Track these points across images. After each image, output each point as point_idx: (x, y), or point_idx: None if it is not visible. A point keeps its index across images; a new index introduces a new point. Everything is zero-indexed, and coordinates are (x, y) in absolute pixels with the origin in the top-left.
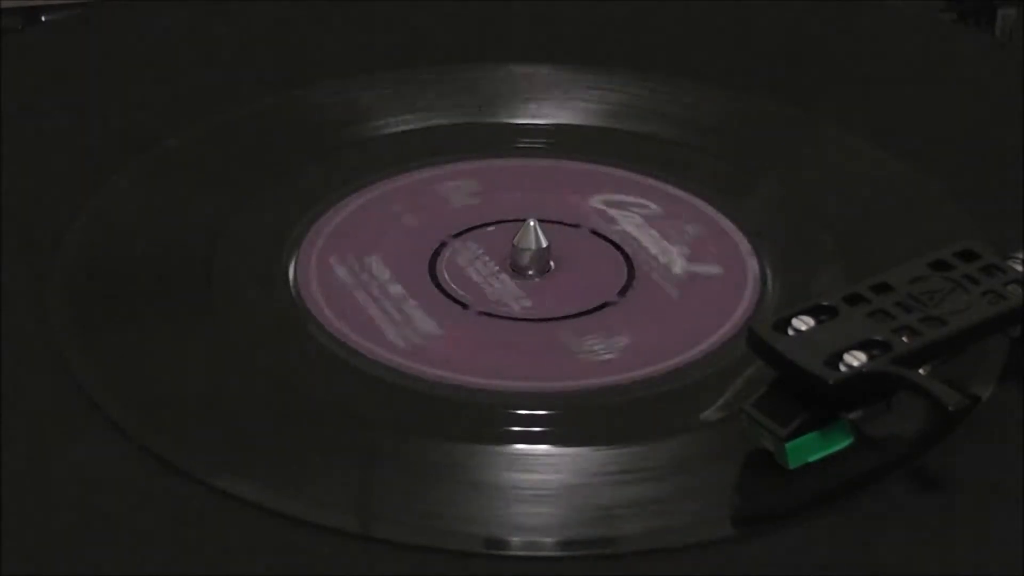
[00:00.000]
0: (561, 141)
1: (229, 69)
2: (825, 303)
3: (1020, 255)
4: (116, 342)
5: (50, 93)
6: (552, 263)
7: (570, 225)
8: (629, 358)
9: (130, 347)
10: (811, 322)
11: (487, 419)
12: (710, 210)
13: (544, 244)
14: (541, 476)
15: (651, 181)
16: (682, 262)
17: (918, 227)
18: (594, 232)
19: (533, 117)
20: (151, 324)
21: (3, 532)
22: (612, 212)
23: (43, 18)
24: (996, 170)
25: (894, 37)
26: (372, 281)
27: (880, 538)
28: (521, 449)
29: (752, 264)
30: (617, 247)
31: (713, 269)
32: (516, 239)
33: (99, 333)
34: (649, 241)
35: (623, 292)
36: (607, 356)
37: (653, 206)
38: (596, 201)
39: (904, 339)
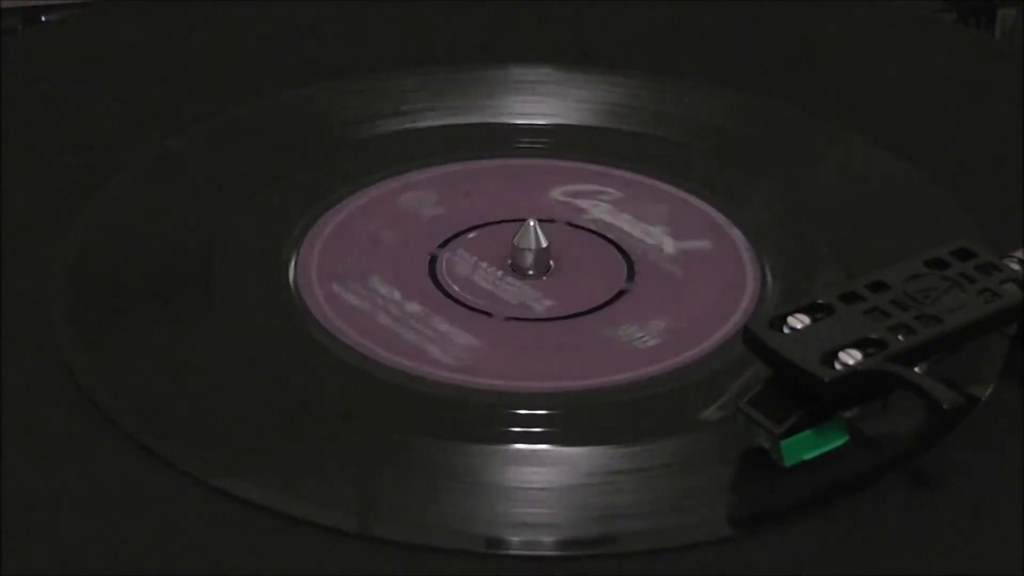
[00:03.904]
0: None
1: (229, 69)
2: (821, 301)
3: (1016, 254)
4: (116, 342)
5: (50, 93)
6: (551, 261)
7: (546, 221)
8: (671, 342)
9: (130, 347)
10: (807, 320)
11: (487, 419)
12: (669, 188)
13: (544, 244)
14: (541, 476)
15: (607, 169)
16: (670, 241)
17: (917, 226)
18: (571, 224)
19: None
20: (151, 324)
21: (3, 532)
22: (578, 202)
23: (43, 18)
24: (995, 170)
25: (894, 37)
26: (387, 302)
27: (878, 538)
28: (521, 449)
29: (738, 235)
30: (600, 235)
31: (703, 243)
32: (516, 240)
33: (99, 333)
34: (627, 225)
35: (631, 278)
36: (652, 342)
37: (614, 192)
38: (557, 193)
39: (900, 337)
